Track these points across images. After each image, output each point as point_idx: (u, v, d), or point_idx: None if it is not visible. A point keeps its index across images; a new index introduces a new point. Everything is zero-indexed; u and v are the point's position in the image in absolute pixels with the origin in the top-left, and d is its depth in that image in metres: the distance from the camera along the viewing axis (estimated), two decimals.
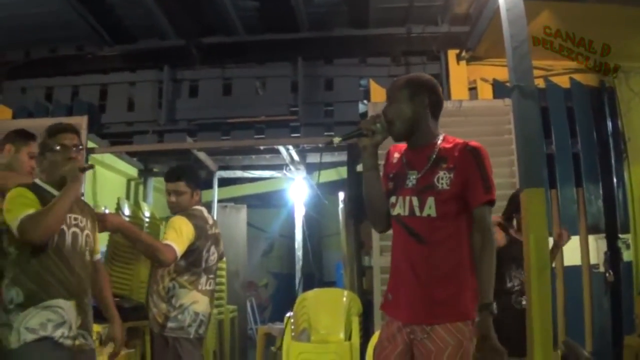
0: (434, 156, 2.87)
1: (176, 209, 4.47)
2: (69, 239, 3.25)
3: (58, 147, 3.32)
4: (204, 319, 4.39)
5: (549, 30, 5.39)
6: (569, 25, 5.47)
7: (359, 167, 6.64)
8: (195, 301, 4.35)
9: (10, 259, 3.12)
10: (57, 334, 3.07)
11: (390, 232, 3.05)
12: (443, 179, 2.81)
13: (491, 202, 2.81)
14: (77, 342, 3.18)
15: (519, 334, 4.33)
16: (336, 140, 2.99)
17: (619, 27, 5.71)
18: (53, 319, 3.08)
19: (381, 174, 3.08)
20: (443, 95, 3.06)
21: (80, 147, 3.45)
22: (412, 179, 2.90)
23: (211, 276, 4.54)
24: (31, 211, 3.05)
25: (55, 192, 3.27)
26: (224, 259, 7.56)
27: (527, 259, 4.30)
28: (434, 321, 2.75)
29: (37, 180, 3.35)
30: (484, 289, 2.71)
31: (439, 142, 2.92)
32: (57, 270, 3.16)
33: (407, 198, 2.88)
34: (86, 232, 3.41)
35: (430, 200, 2.81)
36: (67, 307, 3.15)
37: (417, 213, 2.84)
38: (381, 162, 3.06)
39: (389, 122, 2.92)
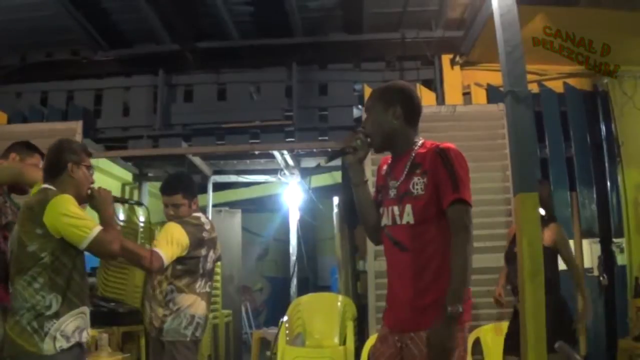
0: (409, 163, 2.89)
1: (174, 220, 4.46)
2: None
3: (90, 167, 3.52)
4: (201, 321, 4.39)
5: (549, 31, 5.40)
6: (567, 26, 5.48)
7: None
8: (192, 304, 4.35)
9: (42, 263, 3.14)
10: (83, 338, 3.24)
11: None
12: (418, 184, 2.81)
13: (462, 201, 2.74)
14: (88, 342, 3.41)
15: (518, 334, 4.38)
16: (322, 163, 3.08)
17: (611, 31, 5.72)
18: (81, 325, 3.23)
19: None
20: (420, 100, 3.06)
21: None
22: (393, 188, 2.93)
23: (208, 279, 4.54)
24: (99, 226, 3.24)
25: None
26: (219, 262, 7.60)
27: (520, 263, 4.32)
28: (418, 328, 2.75)
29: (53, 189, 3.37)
30: (448, 293, 2.65)
31: (416, 148, 2.92)
32: (84, 278, 3.34)
33: (390, 208, 2.91)
34: None
35: (408, 208, 2.82)
36: (87, 313, 3.31)
37: (398, 221, 2.86)
38: None
39: (367, 136, 2.95)
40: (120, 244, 3.35)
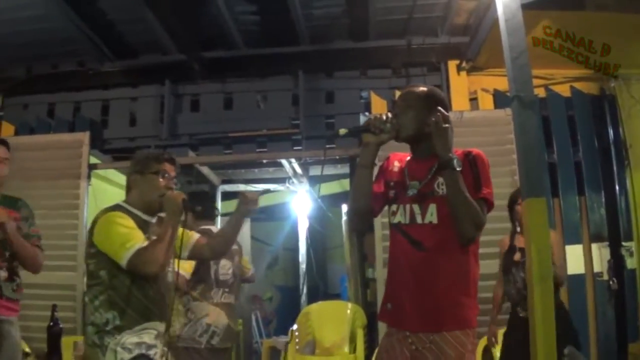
0: (435, 166, 2.85)
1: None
2: None
3: (163, 173, 3.33)
4: (217, 330, 4.43)
5: (549, 30, 5.38)
6: (567, 27, 5.46)
7: None
8: (207, 314, 4.41)
9: (101, 282, 3.11)
10: (151, 352, 3.09)
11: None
12: (443, 185, 2.78)
13: (484, 201, 2.76)
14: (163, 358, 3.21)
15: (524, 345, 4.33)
16: (342, 131, 2.93)
17: (619, 34, 5.70)
18: (147, 340, 3.09)
19: (375, 174, 3.05)
20: None
21: (177, 181, 3.45)
22: (414, 188, 2.89)
23: (226, 290, 4.59)
24: (140, 243, 3.04)
25: (142, 215, 3.27)
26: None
27: (529, 269, 4.29)
28: (432, 329, 2.73)
29: (123, 204, 3.29)
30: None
31: None
32: (152, 294, 3.18)
33: (408, 206, 2.87)
34: None
35: (432, 207, 2.80)
36: (159, 329, 3.19)
37: (419, 220, 2.83)
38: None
39: (401, 125, 2.87)
40: (161, 263, 3.08)
